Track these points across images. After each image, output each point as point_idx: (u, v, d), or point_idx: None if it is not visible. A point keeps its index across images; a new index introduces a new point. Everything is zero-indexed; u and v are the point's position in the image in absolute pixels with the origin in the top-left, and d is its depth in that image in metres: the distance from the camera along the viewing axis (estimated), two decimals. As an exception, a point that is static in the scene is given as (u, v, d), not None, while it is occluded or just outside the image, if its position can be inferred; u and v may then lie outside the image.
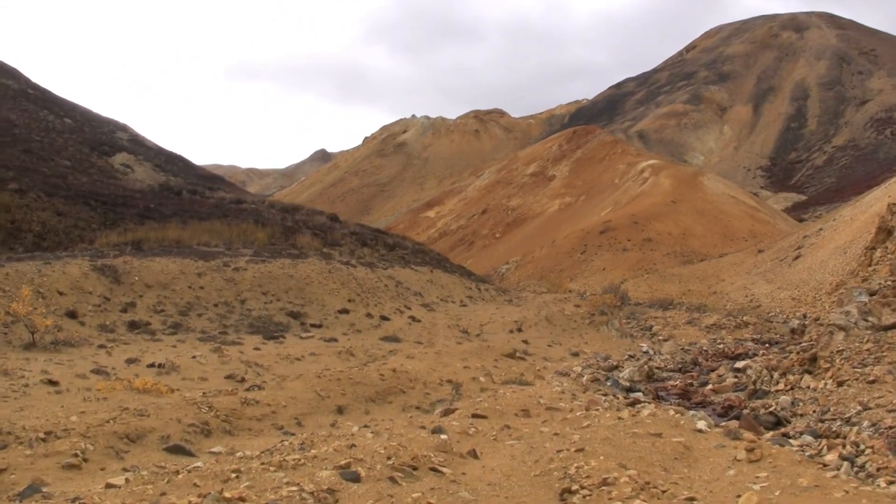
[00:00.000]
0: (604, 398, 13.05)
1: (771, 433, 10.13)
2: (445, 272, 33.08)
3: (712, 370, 17.11)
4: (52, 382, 11.88)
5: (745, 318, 26.20)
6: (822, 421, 10.28)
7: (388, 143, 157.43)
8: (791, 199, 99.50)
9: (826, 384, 11.76)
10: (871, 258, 21.99)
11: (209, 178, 46.84)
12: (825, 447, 8.82)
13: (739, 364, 16.18)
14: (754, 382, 13.54)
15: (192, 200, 35.67)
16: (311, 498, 6.16)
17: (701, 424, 9.35)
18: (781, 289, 31.59)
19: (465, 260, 60.85)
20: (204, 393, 11.70)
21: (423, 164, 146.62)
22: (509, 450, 8.16)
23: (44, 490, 6.90)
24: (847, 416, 10.09)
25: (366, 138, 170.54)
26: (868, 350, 11.93)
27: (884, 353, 11.59)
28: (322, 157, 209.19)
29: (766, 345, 20.32)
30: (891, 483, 7.04)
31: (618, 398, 13.40)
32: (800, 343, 16.76)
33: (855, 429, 9.41)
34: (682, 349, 20.96)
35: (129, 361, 14.51)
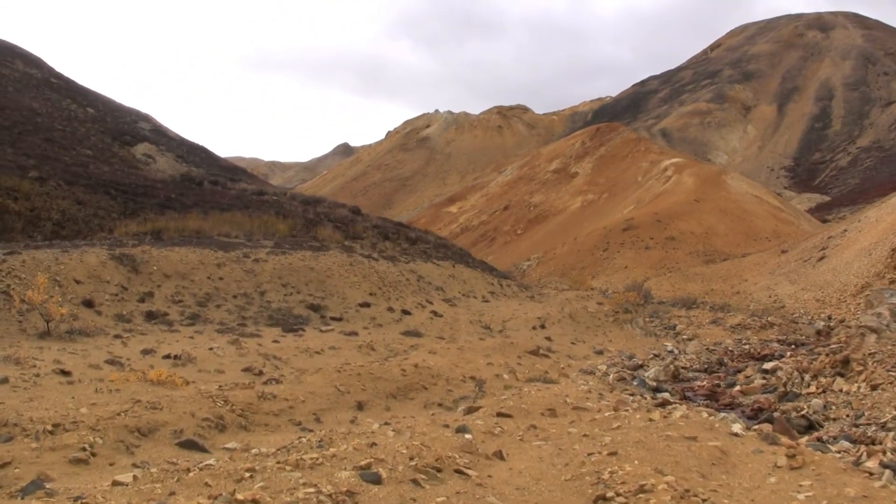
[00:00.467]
0: (631, 398, 12.73)
1: (805, 437, 9.83)
2: (467, 267, 32.78)
3: (739, 371, 16.76)
4: (65, 373, 11.60)
5: (769, 318, 25.71)
6: (857, 426, 10.04)
7: (411, 137, 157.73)
8: (814, 199, 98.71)
9: (859, 387, 11.54)
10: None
11: (231, 170, 46.70)
12: (864, 454, 8.50)
13: (767, 365, 15.81)
14: (785, 384, 13.19)
15: (214, 191, 35.49)
16: (328, 501, 5.80)
17: (736, 427, 9.07)
18: (805, 290, 31.04)
19: (486, 256, 60.67)
20: (220, 386, 11.38)
21: (446, 159, 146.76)
22: (537, 451, 7.84)
23: (47, 486, 6.50)
24: (882, 420, 9.86)
25: (389, 132, 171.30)
26: (901, 353, 11.68)
27: (917, 357, 11.32)
28: (345, 150, 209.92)
29: (793, 346, 19.88)
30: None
31: (645, 398, 13.05)
32: (827, 345, 16.43)
33: (891, 434, 9.15)
34: (707, 349, 20.59)
35: (145, 352, 14.25)
